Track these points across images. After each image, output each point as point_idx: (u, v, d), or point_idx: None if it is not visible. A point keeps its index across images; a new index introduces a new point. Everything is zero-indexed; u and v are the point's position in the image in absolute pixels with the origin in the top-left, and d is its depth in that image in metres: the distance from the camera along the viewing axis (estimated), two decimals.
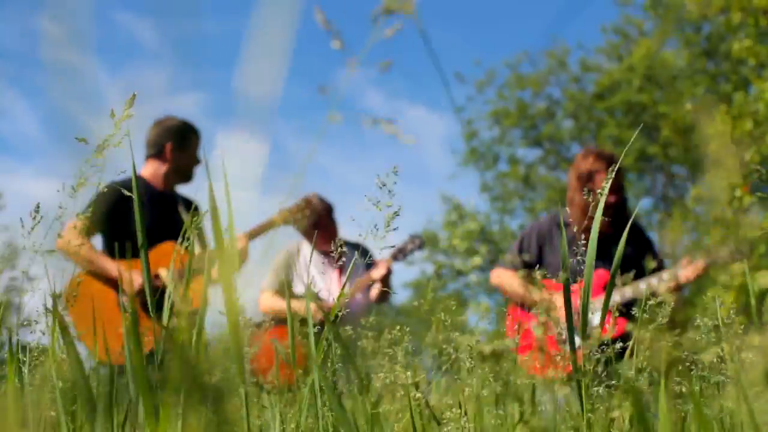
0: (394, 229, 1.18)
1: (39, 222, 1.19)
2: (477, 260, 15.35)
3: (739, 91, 10.17)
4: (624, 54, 14.58)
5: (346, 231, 4.41)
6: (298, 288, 4.15)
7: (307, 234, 4.26)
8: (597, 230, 1.10)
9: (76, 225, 3.15)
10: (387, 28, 0.96)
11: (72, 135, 1.08)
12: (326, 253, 4.29)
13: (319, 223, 4.21)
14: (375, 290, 4.05)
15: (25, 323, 1.23)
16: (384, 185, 1.13)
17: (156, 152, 3.55)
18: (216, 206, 0.86)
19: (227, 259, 0.87)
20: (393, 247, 4.30)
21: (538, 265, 3.79)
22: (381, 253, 1.06)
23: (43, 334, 1.23)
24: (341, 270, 4.21)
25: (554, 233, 3.59)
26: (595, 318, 1.91)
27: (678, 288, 3.29)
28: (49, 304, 1.17)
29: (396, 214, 1.18)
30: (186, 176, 3.63)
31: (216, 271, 0.91)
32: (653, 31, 14.07)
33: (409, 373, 1.31)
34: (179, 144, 3.56)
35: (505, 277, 3.56)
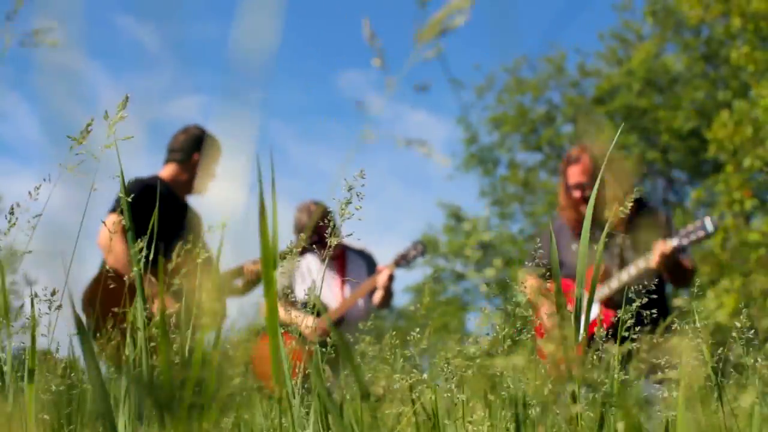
0: (348, 218, 1.19)
1: (14, 224, 1.19)
2: (491, 271, 15.21)
3: (740, 98, 10.18)
4: (623, 58, 14.60)
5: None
6: (300, 294, 4.14)
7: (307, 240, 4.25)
8: (586, 227, 1.09)
9: (114, 222, 3.18)
10: (427, 50, 0.93)
11: (67, 135, 1.08)
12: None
13: (318, 229, 4.21)
14: (377, 296, 4.06)
15: (26, 326, 1.23)
16: (351, 188, 1.14)
17: (181, 159, 3.59)
18: (266, 214, 0.84)
19: (271, 268, 0.85)
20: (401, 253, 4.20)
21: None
22: (385, 260, 1.07)
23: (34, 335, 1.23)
24: (343, 275, 4.20)
25: (561, 234, 3.54)
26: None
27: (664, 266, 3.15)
28: (54, 305, 1.17)
29: (348, 201, 1.18)
30: (203, 188, 3.65)
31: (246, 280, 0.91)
32: (651, 35, 14.09)
33: (409, 376, 1.31)
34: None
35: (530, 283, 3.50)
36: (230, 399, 1.63)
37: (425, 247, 4.21)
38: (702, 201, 12.83)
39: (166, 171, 3.60)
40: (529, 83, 15.33)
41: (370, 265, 4.27)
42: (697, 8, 9.21)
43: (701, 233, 3.16)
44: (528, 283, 1.32)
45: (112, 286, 1.51)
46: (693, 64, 13.41)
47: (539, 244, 1.34)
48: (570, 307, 1.04)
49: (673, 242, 3.16)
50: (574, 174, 3.43)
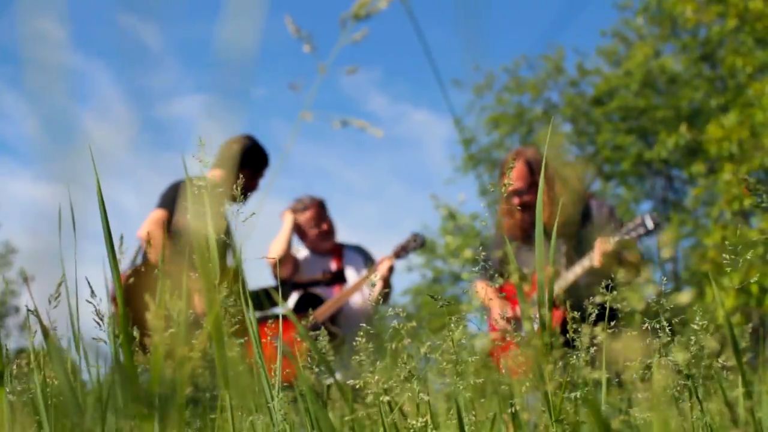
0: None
1: None
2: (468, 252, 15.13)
3: (736, 99, 10.19)
4: (622, 58, 14.59)
5: (346, 234, 4.40)
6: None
7: (302, 234, 4.26)
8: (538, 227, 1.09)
9: (158, 218, 3.35)
10: (355, 33, 0.98)
11: (62, 134, 1.07)
12: (321, 253, 4.27)
13: (312, 223, 4.21)
14: (376, 287, 4.04)
15: (22, 326, 1.23)
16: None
17: (228, 167, 3.66)
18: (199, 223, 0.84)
19: (207, 271, 0.86)
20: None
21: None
22: (383, 251, 1.06)
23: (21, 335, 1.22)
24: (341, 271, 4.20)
25: (502, 241, 3.56)
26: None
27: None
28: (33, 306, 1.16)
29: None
30: (246, 196, 3.71)
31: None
32: (649, 36, 14.08)
33: (377, 378, 1.28)
34: (257, 167, 3.74)
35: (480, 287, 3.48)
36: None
37: (424, 238, 4.23)
38: (701, 199, 12.84)
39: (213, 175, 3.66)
40: (528, 83, 15.32)
41: (367, 260, 4.27)
42: (693, 8, 9.20)
43: (641, 230, 3.19)
44: (479, 287, 1.31)
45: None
46: (691, 65, 13.42)
47: (481, 250, 1.31)
48: (516, 310, 1.04)
49: (613, 240, 3.17)
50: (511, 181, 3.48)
